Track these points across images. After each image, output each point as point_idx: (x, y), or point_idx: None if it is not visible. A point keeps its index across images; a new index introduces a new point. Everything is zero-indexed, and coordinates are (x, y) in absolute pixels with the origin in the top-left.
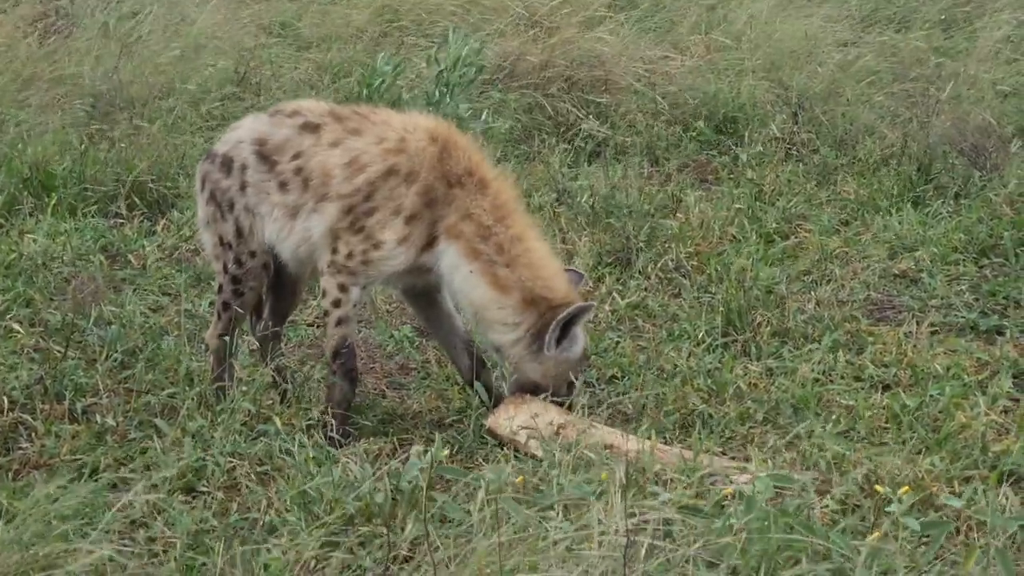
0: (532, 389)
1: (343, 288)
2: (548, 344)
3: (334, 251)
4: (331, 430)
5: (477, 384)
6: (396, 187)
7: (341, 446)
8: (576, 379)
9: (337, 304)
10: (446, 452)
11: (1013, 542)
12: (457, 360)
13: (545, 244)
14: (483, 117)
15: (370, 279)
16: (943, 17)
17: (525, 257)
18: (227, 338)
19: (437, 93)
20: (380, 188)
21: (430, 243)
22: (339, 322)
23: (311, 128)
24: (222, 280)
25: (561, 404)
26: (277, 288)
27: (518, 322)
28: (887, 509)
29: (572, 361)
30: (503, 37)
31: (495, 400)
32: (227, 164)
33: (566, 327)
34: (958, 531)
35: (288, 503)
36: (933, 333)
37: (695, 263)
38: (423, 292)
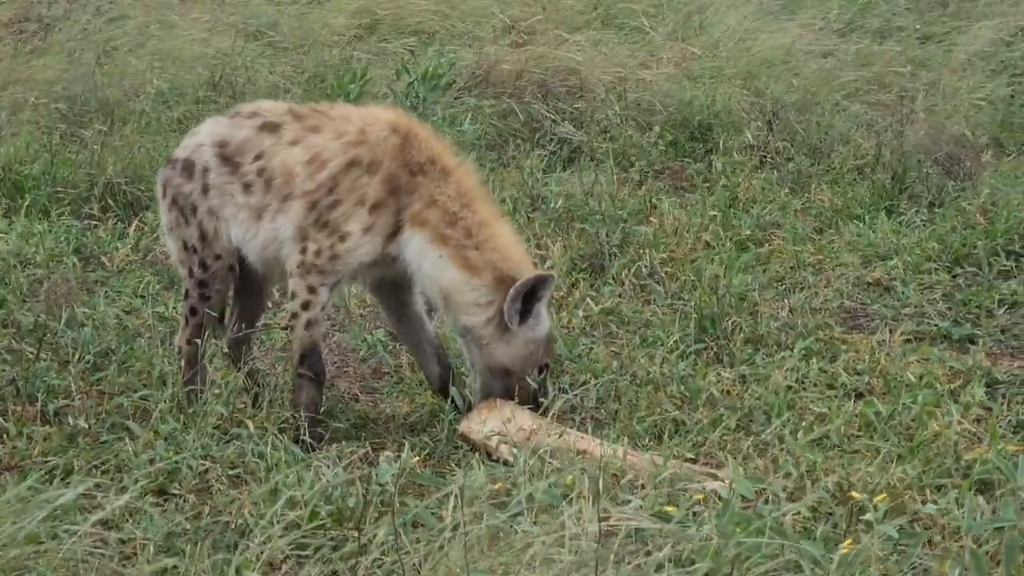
0: (503, 376)
1: (312, 289)
2: (510, 317)
3: (303, 251)
4: (303, 433)
5: (453, 389)
6: (359, 178)
7: (313, 449)
8: (546, 361)
9: (306, 306)
10: (417, 459)
11: (986, 550)
12: (427, 367)
13: (511, 228)
14: (463, 123)
15: (338, 275)
16: (918, 27)
17: (493, 241)
18: (196, 342)
19: (408, 103)
20: (342, 181)
21: (395, 232)
22: (308, 324)
23: (271, 128)
24: (188, 285)
25: (535, 392)
26: (244, 292)
27: (490, 301)
28: (862, 517)
29: (539, 340)
30: (479, 42)
31: (468, 405)
32: (188, 168)
33: (527, 301)
34: (930, 542)
35: (261, 507)
36: (906, 341)
37: (669, 269)
38: (394, 293)
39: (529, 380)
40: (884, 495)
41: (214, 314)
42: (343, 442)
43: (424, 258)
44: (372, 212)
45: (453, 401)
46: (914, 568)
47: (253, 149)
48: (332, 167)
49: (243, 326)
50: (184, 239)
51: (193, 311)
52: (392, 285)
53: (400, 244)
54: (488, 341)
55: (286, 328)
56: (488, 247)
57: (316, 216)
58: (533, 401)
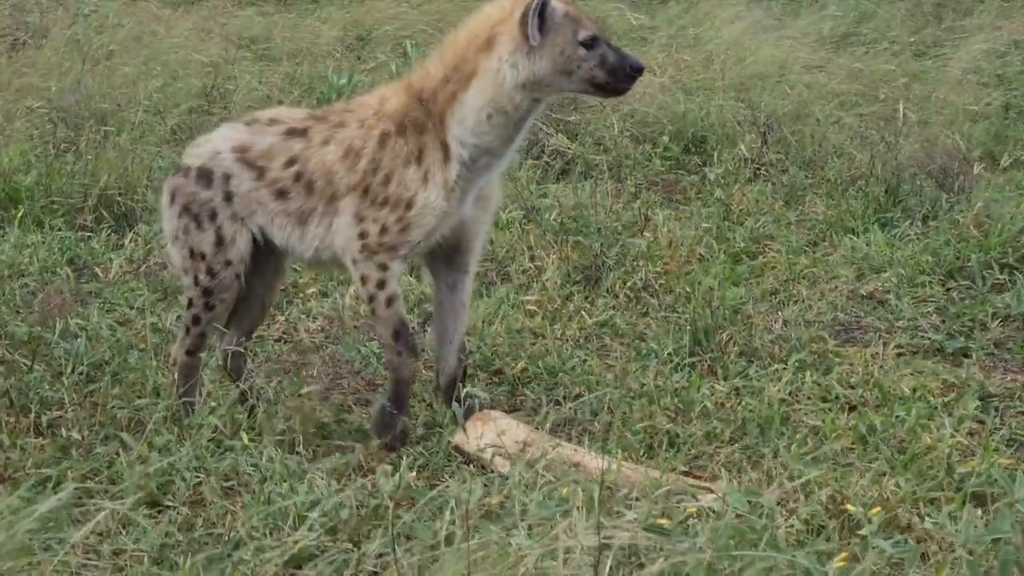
0: (567, 78)
1: (383, 267)
2: (532, 35)
3: (362, 235)
4: (389, 407)
5: (455, 406)
6: (394, 145)
7: (396, 433)
8: (590, 32)
9: (382, 285)
10: (413, 473)
11: (981, 563)
12: (445, 358)
13: None
14: None
15: (410, 244)
16: (912, 40)
17: None
18: (195, 354)
19: None
20: (382, 157)
21: (447, 153)
22: (389, 302)
23: (298, 133)
24: (192, 294)
25: (617, 58)
26: (243, 303)
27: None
28: (858, 531)
29: (566, 32)
30: None
31: (463, 417)
32: (205, 176)
33: (542, 14)
34: (924, 556)
35: (254, 519)
36: (900, 354)
37: (663, 282)
38: (449, 271)
39: (595, 56)
40: (878, 508)
41: (213, 326)
42: (336, 454)
43: (464, 120)
44: (420, 161)
45: (453, 412)
46: None
47: (282, 155)
48: (368, 151)
49: (240, 338)
50: (192, 246)
51: (196, 320)
52: (447, 259)
53: (450, 132)
54: (529, 74)
55: (280, 340)
56: None
57: (371, 199)
58: (621, 64)
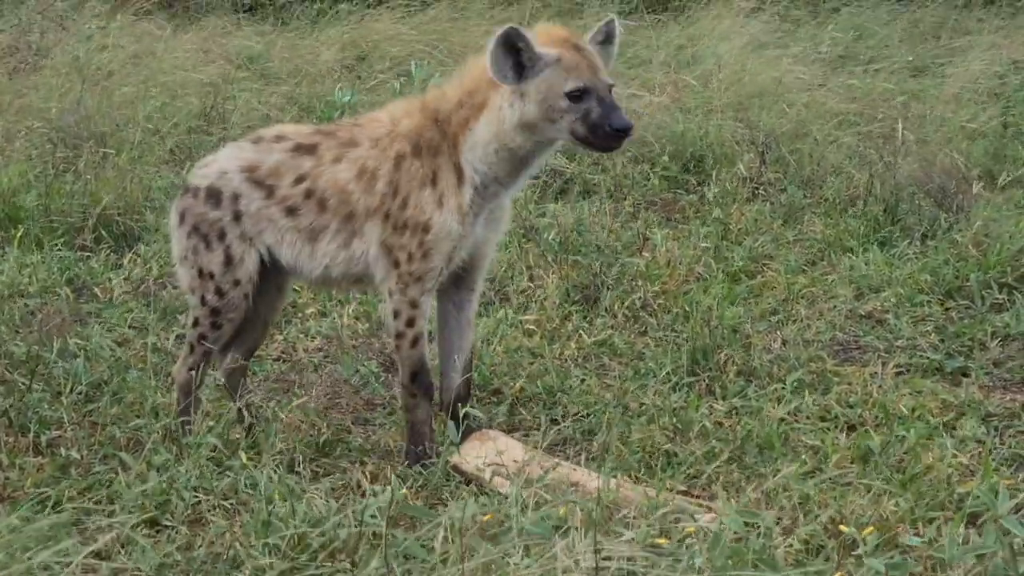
0: (551, 125)
1: (414, 304)
2: (503, 76)
3: (396, 263)
4: (415, 449)
5: (451, 425)
6: (409, 167)
7: (428, 459)
8: (580, 84)
9: (411, 323)
10: (406, 492)
11: None
12: (448, 375)
13: None
14: None
15: (434, 273)
16: (911, 59)
17: None
18: (196, 372)
19: None
20: (400, 179)
21: (460, 177)
22: (414, 342)
23: (307, 149)
24: (199, 313)
25: (603, 113)
26: (246, 322)
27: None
28: (854, 552)
29: (554, 79)
30: None
31: (462, 436)
32: (214, 196)
33: (507, 49)
34: (913, 575)
35: (253, 538)
36: (899, 374)
37: (661, 301)
38: (457, 290)
39: (578, 109)
40: (872, 528)
41: (219, 345)
42: (335, 474)
43: (474, 148)
44: (434, 184)
45: (456, 425)
46: None
47: (291, 172)
48: (385, 173)
49: (240, 357)
50: (201, 266)
51: (202, 339)
52: (455, 277)
53: (463, 156)
54: (519, 119)
55: (279, 359)
56: None
57: (393, 224)
58: (602, 122)
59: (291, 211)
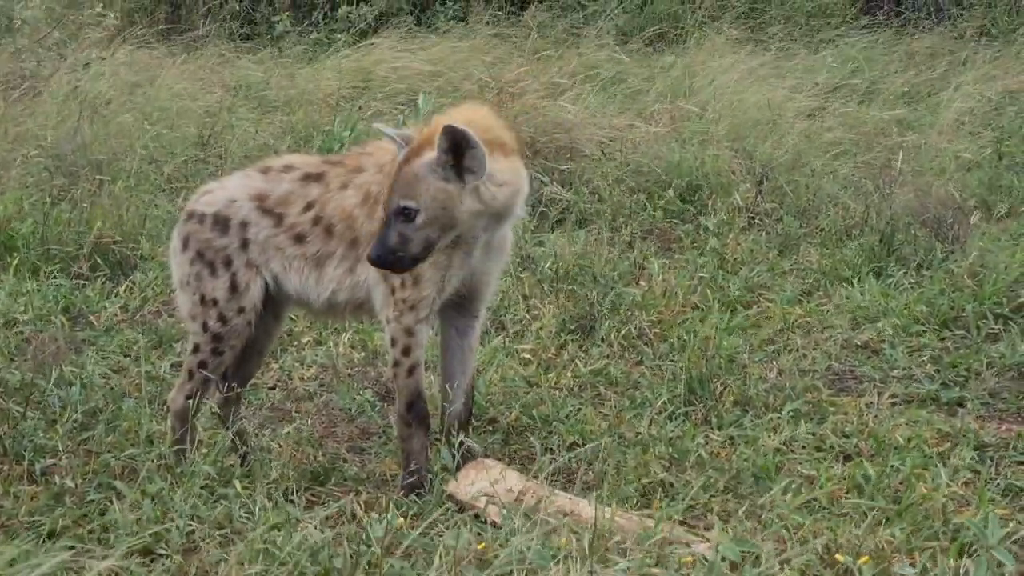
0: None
1: (409, 332)
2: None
3: (392, 290)
4: (412, 480)
5: (444, 452)
6: None
7: (421, 497)
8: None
9: (407, 352)
10: (403, 520)
11: None
12: (450, 402)
13: None
14: None
15: (428, 302)
16: (906, 89)
17: None
18: (193, 400)
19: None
20: None
21: None
22: (411, 371)
23: (315, 178)
24: (199, 340)
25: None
26: (242, 350)
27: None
28: None
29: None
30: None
31: (457, 465)
32: (221, 223)
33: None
34: None
35: (247, 566)
36: (894, 404)
37: (658, 331)
38: (459, 316)
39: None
40: (867, 557)
41: (217, 373)
42: (330, 503)
43: None
44: None
45: (448, 459)
46: None
47: (299, 200)
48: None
49: (236, 385)
50: (203, 292)
51: (202, 365)
52: (457, 305)
53: None
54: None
55: (274, 387)
56: None
57: None
58: None
59: (299, 238)
